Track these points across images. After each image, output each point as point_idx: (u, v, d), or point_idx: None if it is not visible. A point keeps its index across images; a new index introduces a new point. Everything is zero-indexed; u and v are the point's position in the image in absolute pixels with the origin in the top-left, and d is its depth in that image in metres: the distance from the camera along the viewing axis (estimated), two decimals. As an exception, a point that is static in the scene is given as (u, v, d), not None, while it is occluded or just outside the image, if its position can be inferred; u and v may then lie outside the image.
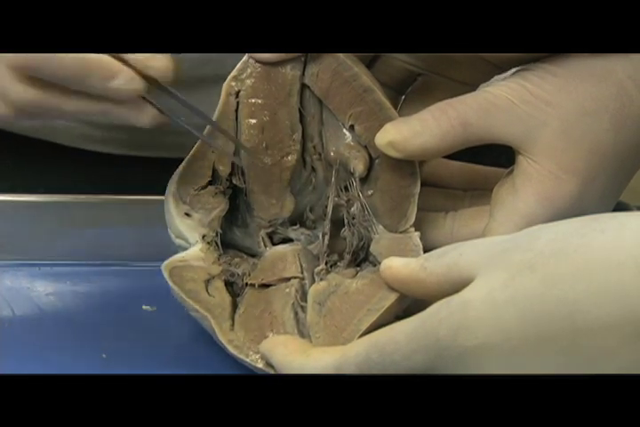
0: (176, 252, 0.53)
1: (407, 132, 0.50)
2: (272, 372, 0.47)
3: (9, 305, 0.57)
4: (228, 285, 0.53)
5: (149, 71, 0.47)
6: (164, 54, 0.47)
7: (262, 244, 0.55)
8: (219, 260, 0.53)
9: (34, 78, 0.47)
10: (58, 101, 0.48)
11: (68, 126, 0.68)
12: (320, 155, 0.54)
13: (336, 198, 0.54)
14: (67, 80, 0.47)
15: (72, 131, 0.69)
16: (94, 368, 0.50)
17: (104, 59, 0.46)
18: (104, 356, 0.52)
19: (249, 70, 0.52)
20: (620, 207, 0.59)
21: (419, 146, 0.49)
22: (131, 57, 0.46)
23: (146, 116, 0.49)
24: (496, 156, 0.55)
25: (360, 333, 0.46)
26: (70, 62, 0.45)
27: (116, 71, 0.46)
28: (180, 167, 0.54)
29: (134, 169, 0.71)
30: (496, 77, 0.54)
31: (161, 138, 0.69)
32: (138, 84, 0.47)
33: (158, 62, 0.47)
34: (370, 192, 0.53)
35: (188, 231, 0.54)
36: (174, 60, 0.47)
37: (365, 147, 0.53)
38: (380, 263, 0.47)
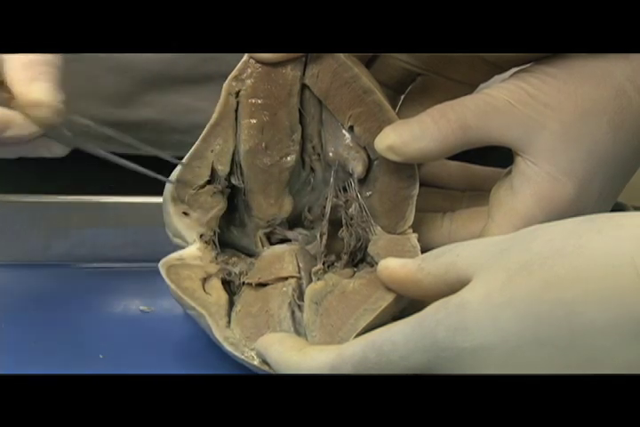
0: (174, 251, 0.53)
1: (407, 136, 0.49)
2: (267, 369, 0.47)
3: (6, 306, 0.57)
4: (225, 283, 0.53)
5: (36, 121, 0.47)
6: (49, 101, 0.46)
7: (260, 244, 0.55)
8: (216, 259, 0.53)
9: None
10: None
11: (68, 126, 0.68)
12: (319, 155, 0.54)
13: (334, 199, 0.54)
14: None
15: (72, 130, 0.69)
16: (92, 368, 0.50)
17: None
18: (101, 356, 0.52)
19: (249, 70, 0.52)
20: (618, 207, 0.59)
21: (418, 150, 0.49)
22: (17, 104, 0.46)
23: (56, 148, 0.49)
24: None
25: (356, 332, 0.46)
26: None
27: (6, 122, 0.46)
28: (179, 166, 0.54)
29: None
30: (495, 78, 0.54)
31: (162, 137, 0.69)
32: (31, 129, 0.47)
33: (42, 112, 0.46)
34: (368, 193, 0.53)
35: (186, 230, 0.54)
36: (58, 102, 0.47)
37: (364, 148, 0.53)
38: (377, 264, 0.47)
